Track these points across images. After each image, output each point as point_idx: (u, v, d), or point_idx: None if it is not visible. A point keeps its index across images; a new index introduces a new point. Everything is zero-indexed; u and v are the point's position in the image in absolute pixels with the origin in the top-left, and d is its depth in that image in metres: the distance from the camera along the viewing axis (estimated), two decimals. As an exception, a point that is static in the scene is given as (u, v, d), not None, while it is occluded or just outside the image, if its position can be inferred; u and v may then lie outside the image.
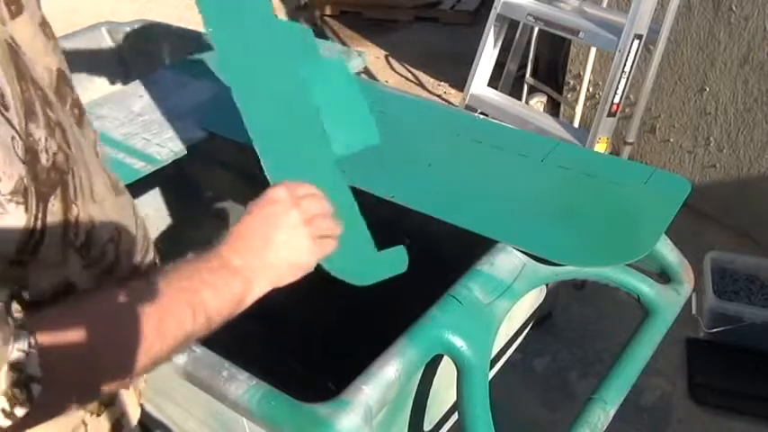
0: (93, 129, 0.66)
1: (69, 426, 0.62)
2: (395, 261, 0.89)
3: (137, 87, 1.43)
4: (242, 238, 0.63)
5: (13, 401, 0.44)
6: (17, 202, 0.47)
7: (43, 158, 0.50)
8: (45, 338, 0.46)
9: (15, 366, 0.44)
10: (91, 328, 0.50)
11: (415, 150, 1.14)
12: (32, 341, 0.45)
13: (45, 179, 0.51)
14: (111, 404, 0.68)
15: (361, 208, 0.89)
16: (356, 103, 0.93)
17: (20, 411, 0.44)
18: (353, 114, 0.93)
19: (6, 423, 0.44)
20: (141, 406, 0.75)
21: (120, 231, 0.63)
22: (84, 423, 0.64)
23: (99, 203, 0.59)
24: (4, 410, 0.44)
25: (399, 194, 1.02)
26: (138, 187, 1.12)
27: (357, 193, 0.91)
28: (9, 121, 0.47)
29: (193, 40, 1.62)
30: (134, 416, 0.74)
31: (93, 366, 0.50)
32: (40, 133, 0.50)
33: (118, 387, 0.54)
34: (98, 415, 0.67)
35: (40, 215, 0.49)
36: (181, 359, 0.79)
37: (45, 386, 0.45)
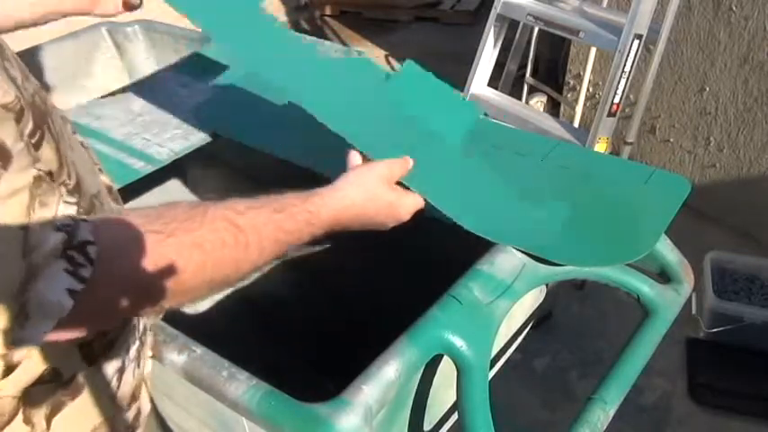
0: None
1: (96, 420, 0.63)
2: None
3: (137, 87, 1.43)
4: (344, 221, 0.70)
5: (73, 261, 0.44)
6: (16, 120, 0.45)
7: (26, 94, 0.49)
8: (104, 221, 0.48)
9: (62, 229, 0.44)
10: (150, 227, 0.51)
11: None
12: (80, 212, 0.46)
13: (34, 112, 0.49)
14: (138, 397, 0.69)
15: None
16: (441, 91, 0.93)
17: (85, 272, 0.44)
18: (444, 102, 0.93)
19: (79, 286, 0.44)
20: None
21: (100, 191, 0.62)
22: (110, 418, 0.65)
23: (78, 154, 0.59)
24: (67, 270, 0.44)
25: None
26: (138, 187, 1.12)
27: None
28: None
29: (193, 41, 1.62)
30: (146, 408, 0.75)
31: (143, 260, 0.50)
32: (15, 72, 0.49)
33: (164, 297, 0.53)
34: (128, 410, 0.68)
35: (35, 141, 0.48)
36: (180, 359, 0.79)
37: (101, 251, 0.45)
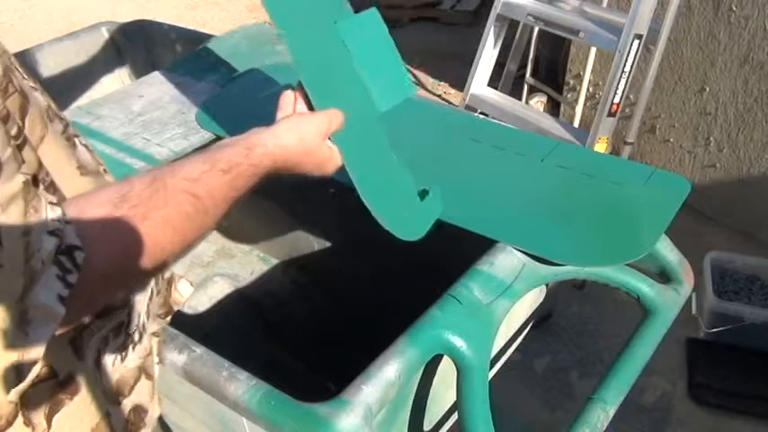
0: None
1: (96, 416, 0.63)
2: (433, 206, 0.94)
3: (137, 87, 1.43)
4: (279, 167, 0.72)
5: (62, 267, 0.45)
6: (2, 122, 0.45)
7: (10, 95, 0.49)
8: (73, 212, 0.48)
9: (55, 233, 0.45)
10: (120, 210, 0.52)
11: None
12: (65, 213, 0.47)
13: (19, 111, 0.50)
14: (128, 393, 0.69)
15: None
16: (389, 54, 0.91)
17: (72, 278, 0.46)
18: (387, 66, 0.91)
19: (65, 292, 0.45)
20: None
21: None
22: (107, 414, 0.65)
23: (54, 151, 0.59)
24: (58, 276, 0.45)
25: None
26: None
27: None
28: None
29: (193, 40, 1.62)
30: (154, 411, 0.74)
31: (126, 245, 0.52)
32: None
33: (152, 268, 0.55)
34: (118, 404, 0.67)
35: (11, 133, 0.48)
36: (180, 359, 0.79)
37: (87, 254, 0.47)
